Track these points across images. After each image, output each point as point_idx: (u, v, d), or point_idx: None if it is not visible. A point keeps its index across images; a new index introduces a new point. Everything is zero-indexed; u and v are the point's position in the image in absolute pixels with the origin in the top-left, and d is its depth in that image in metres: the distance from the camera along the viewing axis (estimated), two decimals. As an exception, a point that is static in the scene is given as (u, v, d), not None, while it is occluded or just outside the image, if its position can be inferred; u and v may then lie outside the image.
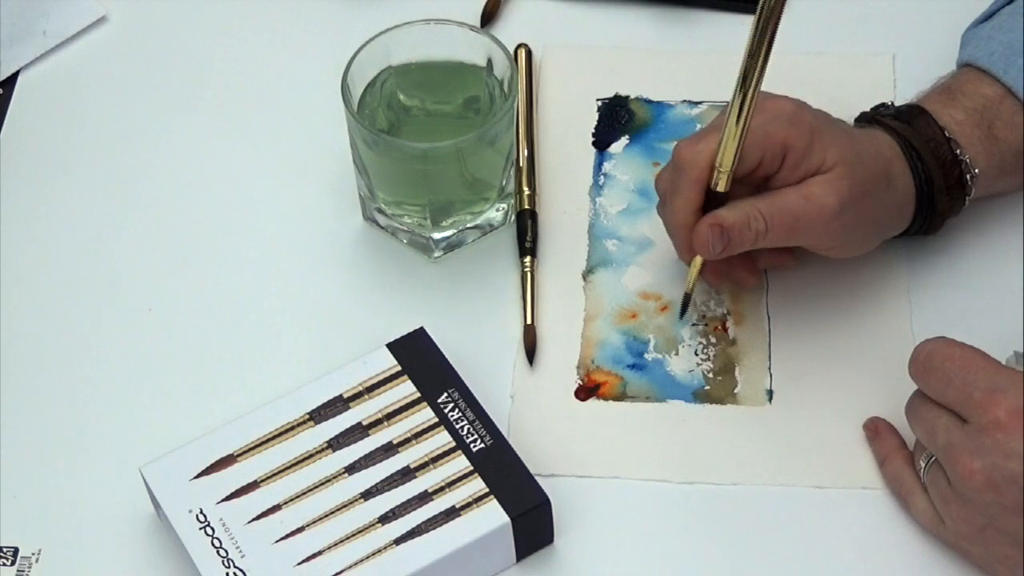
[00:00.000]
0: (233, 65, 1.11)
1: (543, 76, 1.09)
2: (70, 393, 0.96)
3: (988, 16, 0.99)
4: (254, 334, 0.98)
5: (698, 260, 0.93)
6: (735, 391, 0.94)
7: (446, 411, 0.89)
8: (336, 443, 0.89)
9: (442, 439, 0.89)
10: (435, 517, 0.86)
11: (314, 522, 0.86)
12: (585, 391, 0.95)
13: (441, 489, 0.87)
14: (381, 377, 0.91)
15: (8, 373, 0.97)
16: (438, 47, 0.99)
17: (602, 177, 1.04)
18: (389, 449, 0.88)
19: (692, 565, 0.88)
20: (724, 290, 0.97)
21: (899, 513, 0.89)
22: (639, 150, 1.05)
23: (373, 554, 0.85)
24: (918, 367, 0.85)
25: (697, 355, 0.96)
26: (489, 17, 1.12)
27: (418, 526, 0.86)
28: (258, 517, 0.87)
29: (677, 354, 0.96)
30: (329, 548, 0.85)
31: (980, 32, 0.98)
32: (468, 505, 0.86)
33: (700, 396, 0.94)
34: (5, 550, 0.90)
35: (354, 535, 0.86)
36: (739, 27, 1.10)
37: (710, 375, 0.95)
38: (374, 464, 0.88)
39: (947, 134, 0.94)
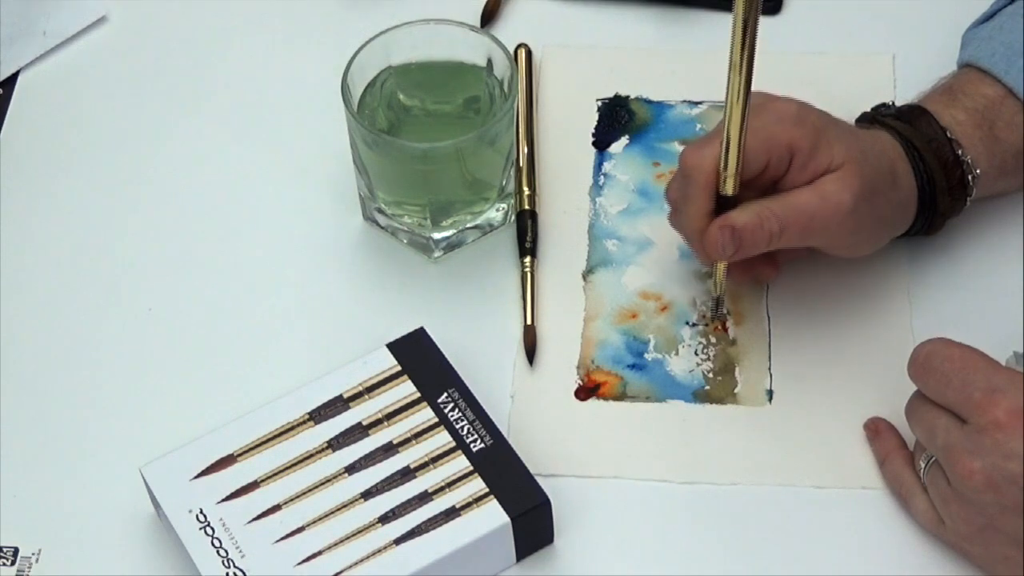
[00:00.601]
0: (233, 65, 1.11)
1: (543, 76, 1.09)
2: (70, 393, 0.96)
3: (988, 17, 0.99)
4: (254, 334, 0.98)
5: (722, 265, 0.93)
6: (735, 391, 0.94)
7: (446, 411, 0.89)
8: (336, 443, 0.89)
9: (442, 439, 0.89)
10: (435, 517, 0.86)
11: (314, 522, 0.86)
12: (585, 391, 0.95)
13: (441, 489, 0.87)
14: (381, 377, 0.91)
15: (8, 373, 0.97)
16: (438, 47, 0.99)
17: (602, 177, 1.04)
18: (389, 449, 0.88)
19: (692, 565, 0.88)
20: (725, 290, 0.97)
21: (899, 513, 0.89)
22: (639, 150, 1.05)
23: (373, 554, 0.85)
24: (917, 368, 0.85)
25: (697, 355, 0.96)
26: (489, 17, 1.12)
27: (418, 526, 0.86)
28: (258, 517, 0.87)
29: (677, 354, 0.96)
30: (329, 548, 0.85)
31: (981, 32, 0.98)
32: (468, 505, 0.86)
33: (700, 396, 0.94)
34: (5, 550, 0.90)
35: (354, 535, 0.86)
36: (739, 27, 1.10)
37: (710, 375, 0.95)
38: (374, 464, 0.88)
39: (948, 134, 0.94)
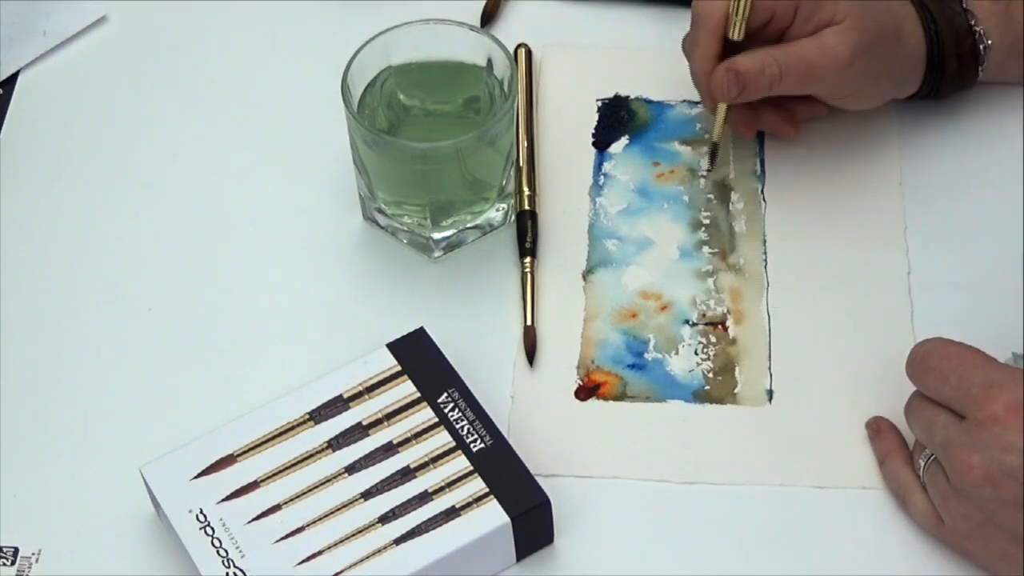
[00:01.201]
0: (233, 65, 1.11)
1: (543, 76, 1.09)
2: (70, 393, 0.96)
3: None
4: (254, 334, 0.98)
5: (723, 107, 0.98)
6: (735, 391, 0.94)
7: (446, 411, 0.89)
8: (336, 443, 0.89)
9: (442, 439, 0.89)
10: (435, 517, 0.86)
11: (314, 522, 0.86)
12: (585, 391, 0.95)
13: (441, 489, 0.87)
14: (381, 377, 0.91)
15: (8, 373, 0.97)
16: (438, 47, 0.99)
17: (602, 177, 1.04)
18: (389, 449, 0.88)
19: (692, 565, 0.88)
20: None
21: (899, 513, 0.89)
22: (639, 150, 1.05)
23: (373, 554, 0.85)
24: (915, 367, 0.86)
25: (697, 355, 0.96)
26: (489, 17, 1.12)
27: (418, 526, 0.86)
28: (258, 517, 0.87)
29: (677, 354, 0.96)
30: (329, 548, 0.85)
31: None
32: (468, 505, 0.86)
33: (700, 396, 0.94)
34: (5, 550, 0.90)
35: (354, 535, 0.86)
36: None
37: (710, 375, 0.95)
38: (374, 464, 0.88)
39: (964, 4, 0.98)
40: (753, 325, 0.97)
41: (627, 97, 1.07)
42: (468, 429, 0.89)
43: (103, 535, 0.90)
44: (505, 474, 0.87)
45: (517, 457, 0.88)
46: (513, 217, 1.01)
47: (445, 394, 0.90)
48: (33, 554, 0.90)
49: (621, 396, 0.95)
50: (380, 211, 1.00)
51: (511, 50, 1.00)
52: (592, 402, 0.94)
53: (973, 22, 0.98)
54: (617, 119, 1.06)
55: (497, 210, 1.01)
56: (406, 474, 0.87)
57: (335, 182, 1.04)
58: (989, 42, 0.99)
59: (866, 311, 0.97)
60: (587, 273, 1.00)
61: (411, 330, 0.93)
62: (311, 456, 0.88)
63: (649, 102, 1.07)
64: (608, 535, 0.89)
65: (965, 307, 0.97)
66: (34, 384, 0.96)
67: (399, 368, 0.91)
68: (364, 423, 0.89)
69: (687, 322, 0.97)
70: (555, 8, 1.13)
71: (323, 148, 1.05)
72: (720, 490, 0.91)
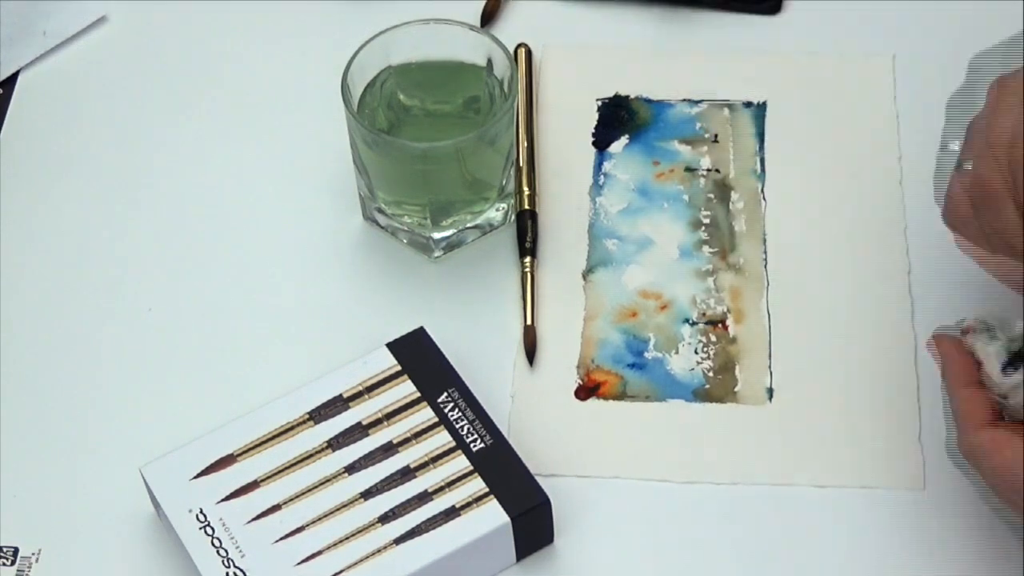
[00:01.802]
0: (233, 65, 1.11)
1: (543, 76, 1.09)
2: (70, 393, 0.96)
3: None
4: (254, 334, 0.98)
5: None
6: (735, 390, 0.94)
7: (446, 411, 0.89)
8: (336, 443, 0.89)
9: (442, 439, 0.89)
10: (435, 517, 0.86)
11: (314, 522, 0.86)
12: (585, 391, 0.95)
13: (441, 489, 0.87)
14: (381, 377, 0.91)
15: (8, 373, 0.97)
16: (438, 47, 0.99)
17: (602, 177, 1.04)
18: (389, 449, 0.88)
19: (692, 565, 0.88)
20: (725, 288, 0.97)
21: (899, 513, 0.89)
22: (639, 149, 1.05)
23: (373, 554, 0.85)
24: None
25: (697, 354, 0.96)
26: (489, 17, 1.12)
27: (418, 526, 0.86)
28: (258, 517, 0.87)
29: (677, 353, 0.96)
30: (329, 548, 0.85)
31: None
32: (468, 505, 0.86)
33: (700, 395, 0.94)
34: (5, 550, 0.90)
35: (354, 535, 0.86)
36: (739, 27, 1.10)
37: (710, 374, 0.95)
38: (374, 464, 0.88)
39: None
40: (753, 324, 0.97)
41: (627, 97, 1.07)
42: (468, 429, 0.89)
43: (103, 535, 0.90)
44: (505, 474, 0.87)
45: (517, 457, 0.88)
46: (513, 217, 1.01)
47: (445, 394, 0.90)
48: (33, 554, 0.90)
49: (621, 396, 0.95)
50: (380, 211, 1.00)
51: (511, 50, 1.00)
52: (592, 402, 0.94)
53: None
54: (617, 119, 1.06)
55: (497, 210, 1.01)
56: (406, 474, 0.87)
57: (335, 182, 1.04)
58: None
59: (866, 310, 0.97)
60: (587, 273, 1.00)
61: (411, 330, 0.93)
62: (311, 456, 0.88)
63: (649, 102, 1.07)
64: (608, 535, 0.89)
65: (965, 307, 0.97)
66: (34, 384, 0.96)
67: (399, 368, 0.91)
68: (364, 423, 0.89)
69: (687, 321, 0.97)
70: (555, 8, 1.13)
71: (323, 148, 1.05)
72: (720, 490, 0.91)
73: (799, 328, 0.96)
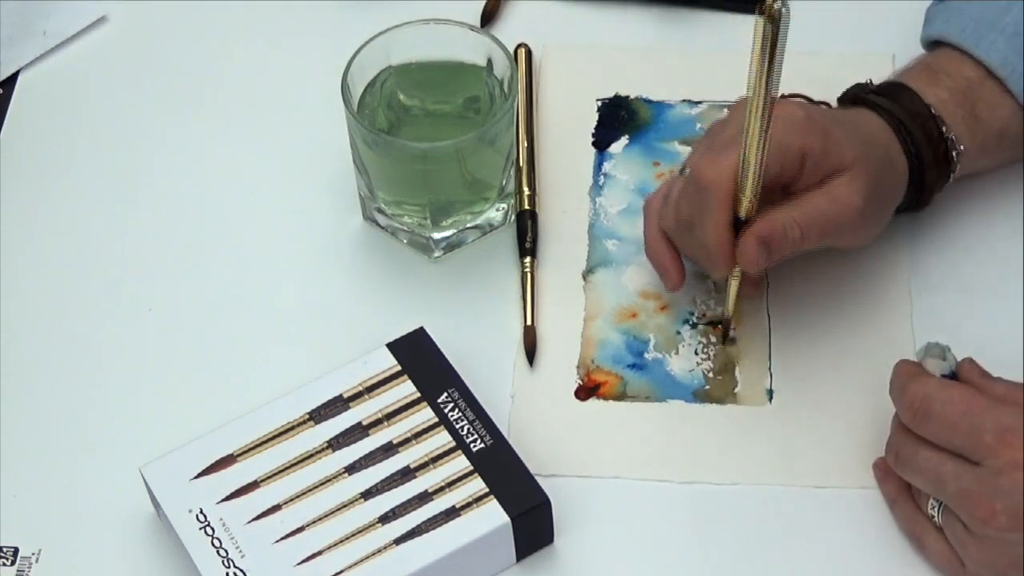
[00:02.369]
0: (233, 65, 1.11)
1: (543, 76, 1.09)
2: (70, 393, 0.96)
3: None
4: (254, 334, 0.98)
5: (735, 282, 0.93)
6: (735, 390, 0.94)
7: (446, 411, 0.89)
8: (336, 443, 0.89)
9: (442, 439, 0.89)
10: (435, 517, 0.86)
11: (314, 522, 0.86)
12: (585, 391, 0.95)
13: (441, 489, 0.87)
14: (381, 377, 0.91)
15: (8, 373, 0.97)
16: (438, 47, 0.99)
17: (602, 177, 1.04)
18: (389, 449, 0.88)
19: (692, 565, 0.88)
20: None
21: (899, 513, 0.89)
22: (639, 150, 1.05)
23: (373, 554, 0.85)
24: (915, 414, 0.84)
25: (697, 354, 0.96)
26: (489, 17, 1.12)
27: (418, 526, 0.86)
28: (258, 517, 0.87)
29: (677, 353, 0.96)
30: (329, 548, 0.85)
31: (949, 6, 0.98)
32: (468, 505, 0.86)
33: (700, 396, 0.94)
34: (5, 550, 0.90)
35: (354, 535, 0.86)
36: (739, 27, 1.10)
37: (710, 375, 0.95)
38: (374, 464, 0.88)
39: (933, 111, 0.94)
40: (753, 324, 0.97)
41: (627, 97, 1.07)
42: (468, 429, 0.89)
43: (103, 535, 0.90)
44: (505, 474, 0.87)
45: (517, 457, 0.88)
46: (513, 217, 1.01)
47: (445, 394, 0.90)
48: (33, 554, 0.90)
49: (621, 396, 0.95)
50: (380, 211, 1.00)
51: (511, 50, 1.00)
52: (592, 402, 0.94)
53: (944, 128, 0.94)
54: (617, 119, 1.06)
55: (497, 210, 1.01)
56: (406, 474, 0.87)
57: (335, 182, 1.04)
58: (961, 147, 0.95)
59: (866, 311, 0.97)
60: (587, 273, 1.00)
61: (411, 330, 0.93)
62: (311, 456, 0.88)
63: (649, 102, 1.07)
64: (608, 535, 0.89)
65: (965, 307, 0.97)
66: (34, 384, 0.96)
67: (399, 368, 0.91)
68: (364, 423, 0.89)
69: (687, 322, 0.97)
70: (555, 8, 1.13)
71: (323, 148, 1.05)
72: (720, 490, 0.91)
73: (799, 329, 0.96)
